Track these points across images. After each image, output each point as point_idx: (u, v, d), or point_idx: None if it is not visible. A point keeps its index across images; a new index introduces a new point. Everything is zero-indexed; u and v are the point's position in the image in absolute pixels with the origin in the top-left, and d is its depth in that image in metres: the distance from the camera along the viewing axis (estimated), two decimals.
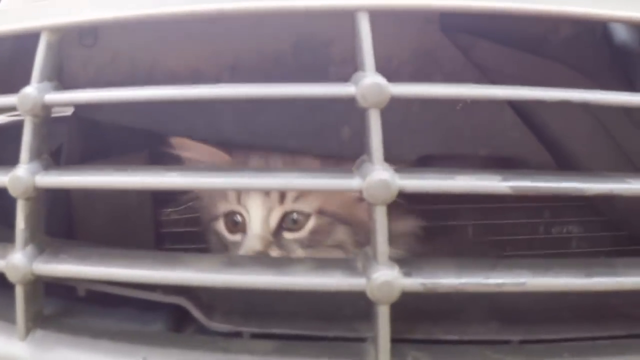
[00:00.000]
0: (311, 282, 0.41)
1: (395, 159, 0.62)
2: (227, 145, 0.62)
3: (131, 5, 0.47)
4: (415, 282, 0.41)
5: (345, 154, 0.47)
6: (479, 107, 0.59)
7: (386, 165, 0.41)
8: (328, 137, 0.60)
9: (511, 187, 0.42)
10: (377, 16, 0.45)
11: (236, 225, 0.67)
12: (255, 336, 0.45)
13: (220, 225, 0.68)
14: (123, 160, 0.62)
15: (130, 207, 0.65)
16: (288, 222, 0.66)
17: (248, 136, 0.59)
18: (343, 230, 0.68)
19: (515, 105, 0.60)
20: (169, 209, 0.70)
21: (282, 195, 0.66)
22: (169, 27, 0.56)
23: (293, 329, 0.45)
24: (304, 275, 0.41)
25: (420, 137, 0.60)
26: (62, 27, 0.48)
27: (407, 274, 0.41)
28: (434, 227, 0.68)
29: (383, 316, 0.40)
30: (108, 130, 0.63)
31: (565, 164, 0.62)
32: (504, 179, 0.42)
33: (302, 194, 0.65)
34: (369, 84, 0.42)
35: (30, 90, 0.45)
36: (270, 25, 0.55)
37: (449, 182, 0.42)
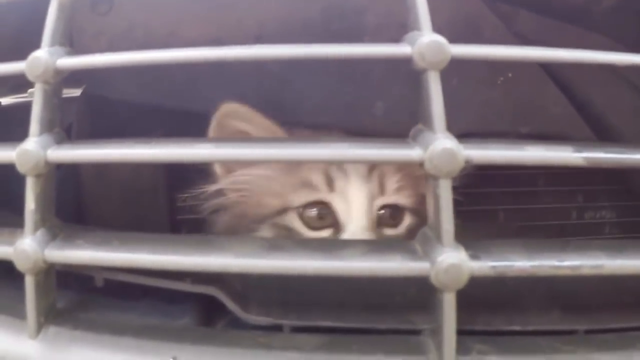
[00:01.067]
0: (368, 267, 0.34)
1: None
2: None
3: None
4: (485, 265, 0.34)
5: (378, 131, 0.41)
6: (520, 81, 0.53)
7: (449, 134, 0.35)
8: (360, 112, 0.53)
9: (585, 158, 0.36)
10: None
11: (321, 219, 0.55)
12: (296, 330, 0.38)
13: (294, 220, 0.56)
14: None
15: (143, 191, 0.58)
16: (387, 215, 0.57)
17: (273, 110, 0.52)
18: None
19: (557, 80, 0.54)
20: (185, 194, 0.63)
21: (382, 184, 0.56)
22: None
23: (339, 321, 0.38)
24: (359, 260, 0.35)
25: (459, 113, 0.53)
26: None
27: (474, 256, 0.35)
28: (462, 211, 0.62)
29: (449, 305, 0.34)
30: (119, 109, 0.56)
31: (607, 141, 0.56)
32: (577, 150, 0.36)
33: (402, 186, 0.56)
34: (428, 42, 0.36)
35: (41, 53, 0.38)
36: None
37: (519, 153, 0.36)
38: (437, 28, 0.52)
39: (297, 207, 0.56)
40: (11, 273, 0.37)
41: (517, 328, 0.39)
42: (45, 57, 0.38)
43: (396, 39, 0.47)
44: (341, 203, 0.55)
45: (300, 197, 0.55)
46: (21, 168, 0.37)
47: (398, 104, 0.49)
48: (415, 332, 0.37)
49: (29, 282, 0.37)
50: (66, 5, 0.41)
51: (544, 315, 0.41)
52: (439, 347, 0.35)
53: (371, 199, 0.56)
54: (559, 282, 0.40)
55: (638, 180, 0.61)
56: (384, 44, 0.37)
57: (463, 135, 0.56)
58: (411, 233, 0.56)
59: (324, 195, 0.55)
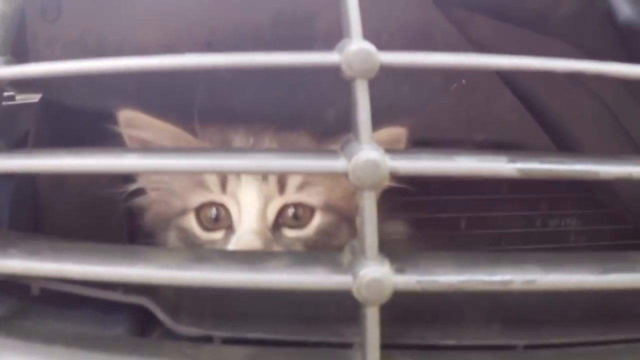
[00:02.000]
0: (289, 280, 0.33)
1: None
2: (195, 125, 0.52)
3: None
4: (410, 279, 0.33)
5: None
6: (474, 88, 0.51)
7: (375, 144, 0.34)
8: (312, 119, 0.52)
9: (519, 170, 0.34)
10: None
11: (216, 220, 0.54)
12: (227, 341, 0.37)
13: (190, 221, 0.54)
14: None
15: (101, 197, 0.57)
16: (289, 216, 0.54)
17: (224, 118, 0.51)
18: (348, 229, 0.55)
19: (514, 87, 0.52)
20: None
21: (282, 183, 0.53)
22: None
23: (270, 333, 0.37)
24: (281, 272, 0.33)
25: (412, 120, 0.52)
26: None
27: (399, 270, 0.33)
28: (422, 220, 0.60)
29: (372, 319, 0.33)
30: (77, 116, 0.55)
31: (566, 149, 0.54)
32: (511, 160, 0.34)
33: (306, 183, 0.53)
34: (355, 50, 0.34)
35: None
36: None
37: (448, 164, 0.34)
38: (389, 34, 0.51)
39: (194, 208, 0.54)
40: None
41: (451, 342, 0.38)
42: None
43: None
44: (234, 205, 0.53)
45: (197, 198, 0.54)
46: None
47: (349, 110, 0.48)
48: (348, 345, 0.36)
49: None
50: (7, 15, 0.40)
51: (483, 329, 0.39)
52: None
53: (265, 199, 0.53)
54: (503, 296, 0.39)
55: (600, 189, 0.59)
56: (312, 51, 0.35)
57: (417, 142, 0.55)
58: (326, 232, 0.54)
59: (217, 196, 0.53)
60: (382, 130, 0.48)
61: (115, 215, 0.59)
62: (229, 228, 0.53)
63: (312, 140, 0.54)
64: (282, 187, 0.53)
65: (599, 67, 0.39)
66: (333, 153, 0.34)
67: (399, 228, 0.62)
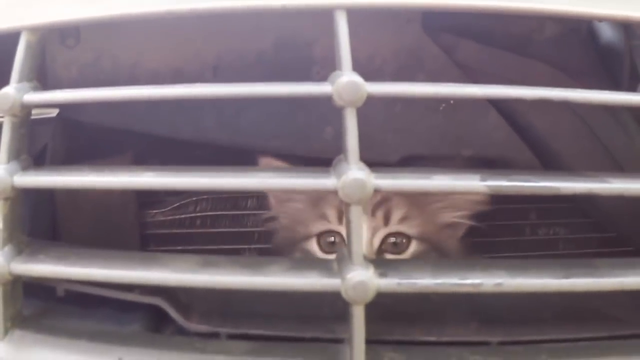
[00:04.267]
0: (286, 282, 0.41)
1: (378, 158, 0.62)
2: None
3: (111, 5, 0.48)
4: (391, 282, 0.41)
5: (328, 155, 0.47)
6: (461, 107, 0.59)
7: (362, 164, 0.41)
8: (311, 137, 0.60)
9: (489, 187, 0.42)
10: (357, 15, 0.45)
11: (333, 245, 0.67)
12: (232, 337, 0.45)
13: (312, 245, 0.68)
14: (106, 162, 0.62)
15: (114, 208, 0.65)
16: (390, 244, 0.67)
17: (230, 136, 0.59)
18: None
19: (499, 106, 0.60)
20: (154, 211, 0.70)
21: (387, 216, 0.67)
22: (151, 26, 0.56)
23: (270, 330, 0.45)
24: (279, 276, 0.41)
25: (403, 137, 0.60)
26: (42, 27, 0.48)
27: (382, 274, 0.41)
28: None
29: (358, 317, 0.40)
30: (92, 131, 0.63)
31: (550, 165, 0.62)
32: (482, 179, 0.42)
33: (406, 217, 0.67)
34: (345, 82, 0.42)
35: (9, 90, 0.45)
36: (251, 24, 0.55)
37: (426, 182, 0.42)
38: (382, 59, 0.59)
39: (317, 235, 0.68)
40: None
41: (432, 339, 0.45)
42: (13, 93, 0.45)
43: None
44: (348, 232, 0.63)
45: (318, 227, 0.68)
46: None
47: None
48: (339, 341, 0.44)
49: None
50: (33, 44, 0.48)
51: (462, 327, 0.47)
52: (352, 354, 0.41)
53: (373, 230, 0.66)
54: (482, 298, 0.46)
55: (583, 200, 0.67)
56: (308, 82, 0.43)
57: (407, 158, 0.62)
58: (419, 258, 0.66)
59: (334, 226, 0.67)
60: None
61: (127, 225, 0.67)
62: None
63: None
64: (387, 220, 0.67)
65: (586, 95, 0.46)
66: (326, 172, 0.42)
67: None
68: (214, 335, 0.45)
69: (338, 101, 0.42)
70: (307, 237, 0.68)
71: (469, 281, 0.41)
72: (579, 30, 0.60)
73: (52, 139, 0.63)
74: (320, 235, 0.68)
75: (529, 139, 0.61)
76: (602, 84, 0.57)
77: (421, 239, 0.67)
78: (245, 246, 0.73)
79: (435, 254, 0.68)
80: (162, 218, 0.70)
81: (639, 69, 0.49)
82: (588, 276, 0.44)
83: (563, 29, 0.59)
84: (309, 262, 0.43)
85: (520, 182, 0.43)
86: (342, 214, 0.65)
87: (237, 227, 0.71)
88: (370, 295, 0.40)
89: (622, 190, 0.44)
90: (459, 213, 0.68)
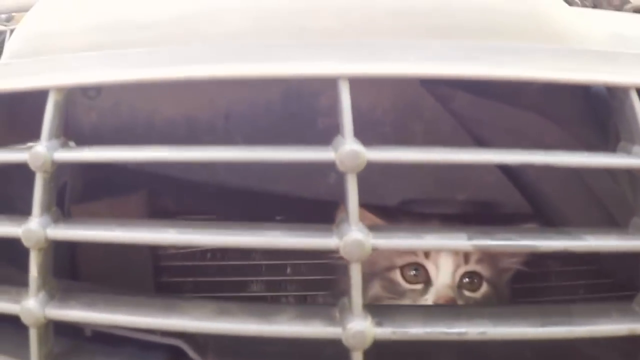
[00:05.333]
0: (292, 330, 0.48)
1: (379, 202, 0.70)
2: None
3: (133, 67, 0.54)
4: (386, 331, 0.48)
5: (333, 198, 0.54)
6: None
7: (361, 225, 0.48)
8: (316, 181, 0.66)
9: (474, 245, 0.49)
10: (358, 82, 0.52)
11: (417, 276, 0.78)
12: None
13: (397, 275, 0.79)
14: (124, 201, 0.69)
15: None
16: (467, 280, 0.78)
17: (240, 179, 0.66)
18: (497, 301, 0.79)
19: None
20: None
21: (467, 256, 0.77)
22: None
23: None
24: (286, 324, 0.48)
25: (401, 182, 0.67)
26: (69, 86, 0.55)
27: (379, 323, 0.48)
28: None
29: None
30: (109, 169, 0.69)
31: (539, 208, 0.69)
32: (469, 238, 0.49)
33: (481, 259, 0.77)
34: (347, 151, 0.49)
35: (40, 148, 0.52)
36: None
37: (418, 241, 0.49)
38: (382, 110, 0.66)
39: (400, 266, 0.79)
40: (17, 323, 0.52)
41: None
42: (44, 152, 0.52)
43: None
44: (432, 267, 0.77)
45: (404, 259, 0.79)
46: (27, 244, 0.51)
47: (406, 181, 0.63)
48: None
49: (32, 334, 0.51)
50: (60, 102, 0.55)
51: None
52: None
53: (456, 266, 0.77)
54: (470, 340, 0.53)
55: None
56: (313, 147, 0.50)
57: (407, 201, 0.69)
58: (487, 298, 0.78)
59: (421, 259, 0.78)
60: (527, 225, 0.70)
61: (142, 258, 0.74)
62: (427, 283, 0.78)
63: None
64: (466, 259, 0.78)
65: (565, 159, 0.53)
66: (328, 232, 0.49)
67: None
68: None
69: (340, 167, 0.49)
70: (390, 268, 0.79)
71: (455, 330, 0.48)
72: None
73: (71, 177, 0.70)
74: (404, 267, 0.79)
75: (520, 183, 0.68)
76: (591, 134, 0.64)
77: (489, 281, 0.79)
78: (253, 278, 0.80)
79: (497, 296, 0.79)
80: (174, 251, 0.77)
81: (619, 130, 0.56)
82: (564, 325, 0.51)
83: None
84: (314, 311, 0.50)
85: (503, 240, 0.50)
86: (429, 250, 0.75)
87: (246, 260, 0.79)
88: (367, 343, 0.47)
89: (596, 248, 0.51)
90: (515, 259, 0.79)
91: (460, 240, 0.49)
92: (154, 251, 0.76)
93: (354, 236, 0.47)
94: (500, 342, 0.55)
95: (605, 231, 0.53)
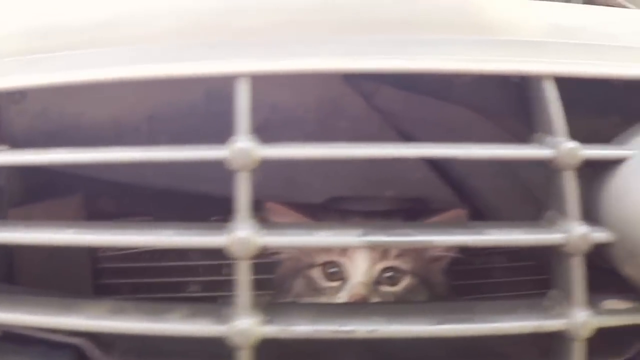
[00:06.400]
0: (180, 329, 0.48)
1: (304, 200, 0.69)
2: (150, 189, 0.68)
3: (54, 70, 0.55)
4: (274, 329, 0.47)
5: (255, 196, 0.54)
6: None
7: (251, 222, 0.48)
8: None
9: (368, 242, 0.48)
10: (260, 80, 0.51)
11: (335, 273, 0.78)
12: None
13: (316, 273, 0.79)
14: (61, 204, 0.70)
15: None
16: (386, 276, 0.76)
17: (165, 180, 0.66)
18: (425, 292, 0.78)
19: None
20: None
21: (385, 251, 0.77)
22: None
23: None
24: (175, 323, 0.48)
25: (326, 180, 0.66)
26: None
27: (268, 321, 0.48)
28: None
29: None
30: (48, 172, 0.70)
31: (469, 202, 0.67)
32: (363, 234, 0.48)
33: (401, 254, 0.76)
34: (238, 148, 0.48)
35: None
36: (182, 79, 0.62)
37: (308, 238, 0.49)
38: (305, 108, 0.65)
39: (321, 264, 0.78)
40: None
41: None
42: None
43: (268, 118, 0.60)
44: (349, 263, 0.77)
45: (322, 257, 0.78)
46: None
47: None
48: None
49: None
50: None
51: None
52: None
53: (372, 262, 0.76)
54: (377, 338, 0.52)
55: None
56: (206, 147, 0.50)
57: (335, 199, 0.69)
58: (410, 291, 0.77)
59: (337, 257, 0.77)
60: (449, 212, 0.69)
61: (80, 261, 0.75)
62: (344, 280, 0.77)
63: None
64: (385, 254, 0.76)
65: (469, 152, 0.52)
66: (219, 230, 0.49)
67: None
68: None
69: (231, 165, 0.49)
70: (312, 266, 0.79)
71: (345, 328, 0.48)
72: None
73: (8, 181, 0.71)
74: (324, 265, 0.78)
75: (449, 178, 0.67)
76: (519, 125, 0.62)
77: (413, 273, 0.77)
78: (190, 279, 0.80)
79: (425, 287, 0.78)
80: (113, 253, 0.78)
81: (534, 121, 0.54)
82: (464, 322, 0.50)
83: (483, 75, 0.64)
84: (207, 309, 0.50)
85: (398, 236, 0.49)
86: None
87: (183, 261, 0.79)
88: (253, 341, 0.47)
89: (495, 242, 0.50)
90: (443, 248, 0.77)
91: (352, 237, 0.48)
92: (93, 253, 0.77)
93: (240, 234, 0.47)
94: (412, 342, 0.54)
95: (513, 225, 0.52)
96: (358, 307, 0.52)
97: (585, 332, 0.50)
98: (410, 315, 0.50)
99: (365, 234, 0.48)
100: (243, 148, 0.48)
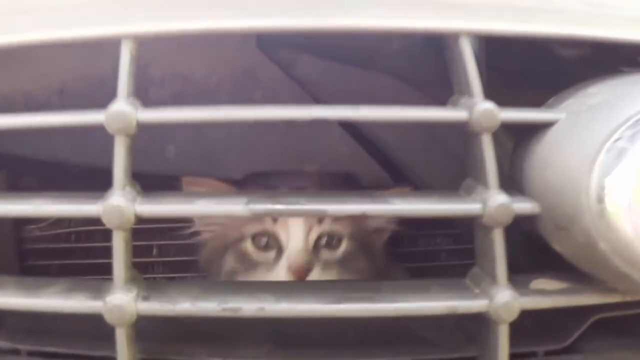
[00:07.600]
0: (54, 304, 0.45)
1: (222, 176, 0.65)
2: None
3: None
4: (152, 306, 0.44)
5: (171, 172, 0.51)
6: (302, 123, 0.60)
7: (127, 191, 0.45)
8: (155, 155, 0.63)
9: (251, 210, 0.44)
10: (147, 43, 0.48)
11: (267, 245, 0.73)
12: (32, 354, 0.49)
13: (248, 246, 0.74)
14: None
15: None
16: (324, 240, 0.72)
17: (80, 157, 0.63)
18: (365, 258, 0.75)
19: (343, 122, 0.61)
20: (32, 226, 0.75)
21: (321, 217, 0.72)
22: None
23: (66, 347, 0.49)
24: (50, 298, 0.45)
25: (243, 155, 0.62)
26: None
27: (145, 297, 0.44)
28: None
29: (120, 338, 0.44)
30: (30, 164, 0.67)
31: (398, 176, 0.63)
32: (247, 202, 0.44)
33: (339, 218, 0.72)
34: (114, 111, 0.45)
35: None
36: (90, 50, 0.58)
37: (188, 207, 0.45)
38: (218, 79, 0.62)
39: (251, 236, 0.73)
40: None
41: None
42: None
43: (180, 90, 0.57)
44: (283, 232, 0.72)
45: (253, 228, 0.73)
46: None
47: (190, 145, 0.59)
48: None
49: None
50: None
51: (253, 349, 0.49)
52: None
53: (308, 228, 0.72)
54: (284, 322, 0.48)
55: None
56: (84, 112, 0.47)
57: (252, 175, 0.65)
58: (350, 254, 0.74)
59: (269, 226, 0.72)
60: (393, 190, 0.64)
61: (4, 241, 0.72)
62: (279, 249, 0.72)
63: None
64: (321, 219, 0.72)
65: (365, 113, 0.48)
66: (93, 199, 0.45)
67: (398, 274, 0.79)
68: (15, 352, 0.50)
69: (109, 130, 0.45)
70: (241, 239, 0.74)
71: (229, 305, 0.44)
72: (427, 42, 0.61)
73: None
74: (255, 236, 0.73)
75: (376, 152, 0.63)
76: (447, 94, 0.58)
77: (352, 238, 0.73)
78: None
79: (365, 253, 0.74)
80: (39, 233, 0.75)
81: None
82: (364, 301, 0.45)
83: (411, 41, 0.60)
84: (85, 285, 0.47)
85: (287, 205, 0.45)
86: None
87: (108, 242, 0.75)
88: (128, 319, 0.43)
89: (400, 211, 0.46)
90: (382, 219, 0.73)
91: (235, 205, 0.45)
92: (18, 234, 0.74)
93: (113, 202, 0.44)
94: (322, 323, 0.50)
95: (425, 195, 0.48)
96: (247, 285, 0.48)
97: (508, 314, 0.46)
98: (305, 294, 0.46)
99: (249, 202, 0.45)
100: (119, 111, 0.45)
